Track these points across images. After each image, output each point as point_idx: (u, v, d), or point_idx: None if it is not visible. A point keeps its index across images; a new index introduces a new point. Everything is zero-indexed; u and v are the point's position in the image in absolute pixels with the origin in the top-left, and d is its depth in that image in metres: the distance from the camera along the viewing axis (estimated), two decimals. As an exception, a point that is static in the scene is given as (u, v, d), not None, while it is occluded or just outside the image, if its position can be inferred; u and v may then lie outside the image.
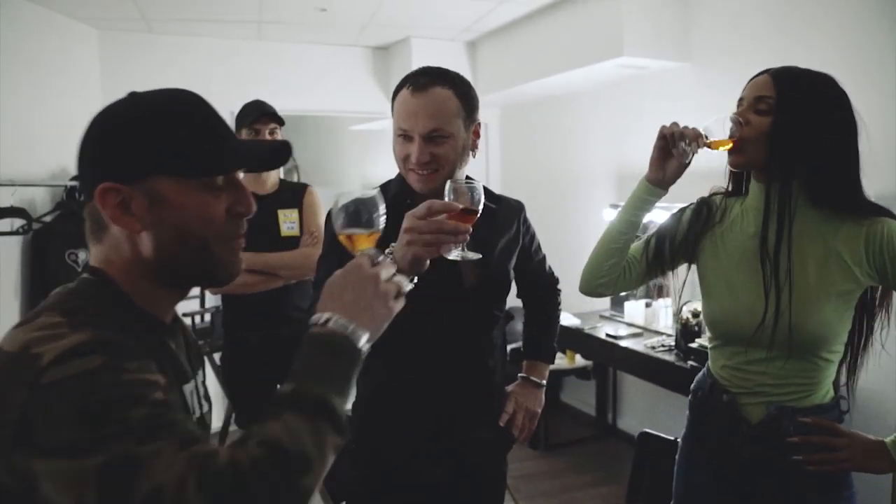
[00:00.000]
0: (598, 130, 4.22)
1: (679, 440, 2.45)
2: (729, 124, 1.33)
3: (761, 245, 1.34)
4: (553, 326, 1.85)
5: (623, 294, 3.92)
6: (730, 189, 1.50)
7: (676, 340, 3.15)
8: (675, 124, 1.39)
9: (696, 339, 3.03)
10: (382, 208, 1.01)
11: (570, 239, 4.53)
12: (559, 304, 1.86)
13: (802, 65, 1.39)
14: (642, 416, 4.05)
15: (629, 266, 1.55)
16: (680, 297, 1.66)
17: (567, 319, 3.82)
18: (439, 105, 1.41)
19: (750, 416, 1.41)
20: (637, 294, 3.87)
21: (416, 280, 1.09)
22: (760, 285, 1.35)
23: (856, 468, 1.35)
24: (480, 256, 1.26)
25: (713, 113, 3.51)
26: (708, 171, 1.53)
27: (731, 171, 1.49)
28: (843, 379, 1.44)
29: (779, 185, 1.32)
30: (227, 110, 4.34)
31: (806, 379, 1.36)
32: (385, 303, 0.91)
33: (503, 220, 1.60)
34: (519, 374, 1.76)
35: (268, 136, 2.56)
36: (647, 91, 3.81)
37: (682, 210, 1.56)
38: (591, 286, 1.57)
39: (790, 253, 1.32)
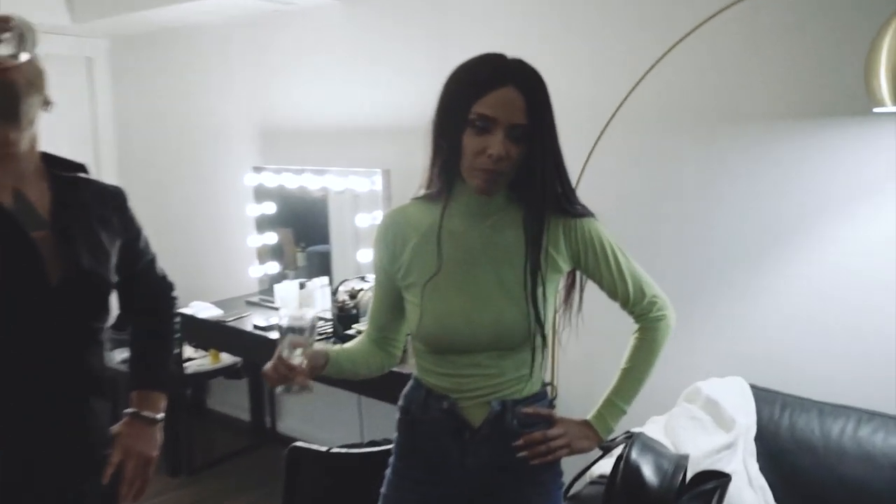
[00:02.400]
0: (236, 79, 3.59)
1: (333, 450, 2.29)
2: (297, 349, 1.31)
3: (529, 255, 1.36)
4: (169, 344, 1.59)
5: (273, 273, 3.41)
6: (433, 192, 1.41)
7: (334, 326, 2.76)
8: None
9: (354, 325, 2.68)
10: None
11: (208, 208, 3.84)
12: (175, 316, 1.61)
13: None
14: (304, 415, 3.61)
15: (399, 341, 1.56)
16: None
17: (206, 311, 3.24)
18: None
19: (473, 419, 1.40)
20: (290, 274, 3.37)
21: None
22: (478, 292, 1.36)
23: (570, 452, 1.42)
24: None
25: (367, 56, 3.13)
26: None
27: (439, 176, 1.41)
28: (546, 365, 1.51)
29: (535, 203, 1.35)
30: None
31: (520, 371, 1.40)
32: None
33: (92, 204, 1.41)
34: (125, 411, 1.49)
35: None
36: (294, 32, 3.30)
37: (375, 248, 1.47)
38: None
39: (545, 263, 1.37)
